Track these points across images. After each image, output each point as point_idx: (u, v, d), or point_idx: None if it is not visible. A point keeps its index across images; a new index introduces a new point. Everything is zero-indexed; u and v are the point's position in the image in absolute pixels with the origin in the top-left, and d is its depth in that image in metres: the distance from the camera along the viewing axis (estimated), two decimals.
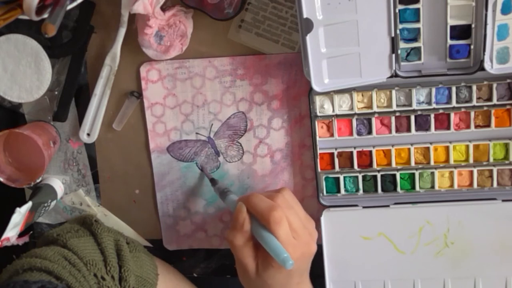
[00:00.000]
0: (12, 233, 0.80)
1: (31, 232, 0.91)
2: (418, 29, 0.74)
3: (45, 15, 0.71)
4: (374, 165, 0.82)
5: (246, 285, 0.77)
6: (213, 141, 0.86)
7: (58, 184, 0.88)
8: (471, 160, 0.81)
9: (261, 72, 0.82)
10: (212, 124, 0.85)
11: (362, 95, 0.80)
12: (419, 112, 0.80)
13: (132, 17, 0.80)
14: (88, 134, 0.86)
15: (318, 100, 0.80)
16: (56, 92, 0.85)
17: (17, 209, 0.78)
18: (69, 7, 0.73)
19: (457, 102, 0.78)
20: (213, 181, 0.84)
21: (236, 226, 0.73)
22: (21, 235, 0.85)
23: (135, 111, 0.86)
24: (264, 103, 0.83)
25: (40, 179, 0.86)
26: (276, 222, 0.69)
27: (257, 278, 0.73)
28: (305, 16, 0.73)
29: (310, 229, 0.76)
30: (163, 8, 0.78)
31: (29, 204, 0.80)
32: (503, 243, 0.83)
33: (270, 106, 0.84)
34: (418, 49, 0.76)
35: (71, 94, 0.85)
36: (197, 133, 0.86)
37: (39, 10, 0.70)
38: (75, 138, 0.87)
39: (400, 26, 0.74)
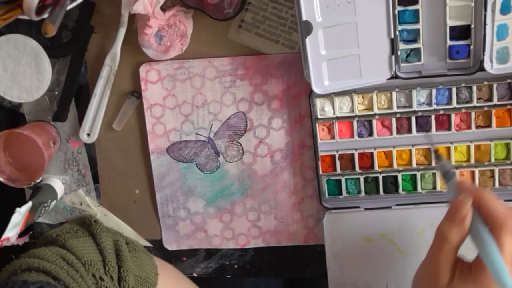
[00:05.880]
0: (12, 233, 0.80)
1: (31, 232, 0.91)
2: (418, 30, 0.74)
3: (45, 15, 0.71)
4: (376, 167, 0.82)
5: None
6: (213, 141, 0.86)
7: (58, 184, 0.88)
8: (472, 161, 0.81)
9: (261, 72, 0.82)
10: (212, 124, 0.85)
11: (363, 97, 0.80)
12: (419, 113, 0.79)
13: (132, 17, 0.80)
14: (88, 134, 0.86)
15: (318, 102, 0.80)
16: (56, 92, 0.85)
17: (17, 209, 0.78)
18: (69, 7, 0.73)
19: (458, 102, 0.78)
20: (437, 156, 0.73)
21: (454, 220, 0.64)
22: (21, 235, 0.85)
23: (135, 111, 0.86)
24: (264, 103, 0.83)
25: (40, 179, 0.86)
26: (511, 231, 0.61)
27: None
28: (304, 18, 0.73)
29: None
30: (163, 8, 0.78)
31: (29, 204, 0.80)
32: None
33: (270, 106, 0.83)
34: (417, 50, 0.75)
35: (71, 94, 0.85)
36: (197, 134, 0.85)
37: (39, 10, 0.70)
38: (75, 138, 0.88)
39: (400, 27, 0.74)
